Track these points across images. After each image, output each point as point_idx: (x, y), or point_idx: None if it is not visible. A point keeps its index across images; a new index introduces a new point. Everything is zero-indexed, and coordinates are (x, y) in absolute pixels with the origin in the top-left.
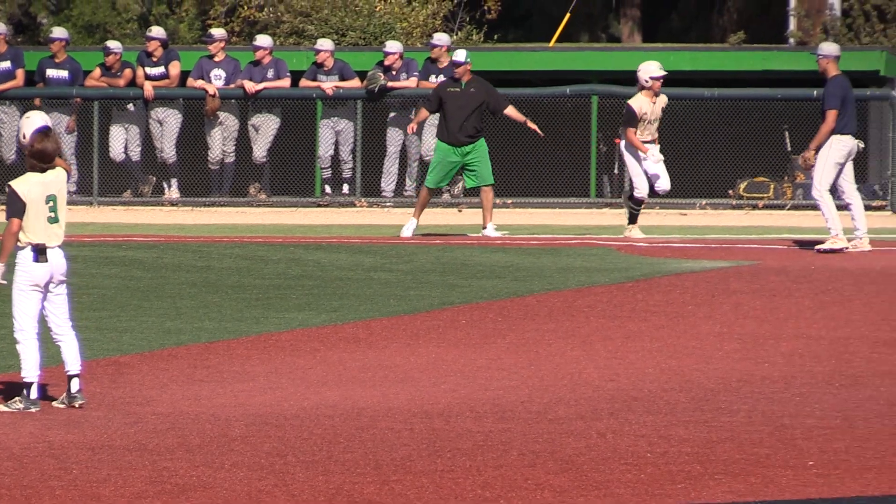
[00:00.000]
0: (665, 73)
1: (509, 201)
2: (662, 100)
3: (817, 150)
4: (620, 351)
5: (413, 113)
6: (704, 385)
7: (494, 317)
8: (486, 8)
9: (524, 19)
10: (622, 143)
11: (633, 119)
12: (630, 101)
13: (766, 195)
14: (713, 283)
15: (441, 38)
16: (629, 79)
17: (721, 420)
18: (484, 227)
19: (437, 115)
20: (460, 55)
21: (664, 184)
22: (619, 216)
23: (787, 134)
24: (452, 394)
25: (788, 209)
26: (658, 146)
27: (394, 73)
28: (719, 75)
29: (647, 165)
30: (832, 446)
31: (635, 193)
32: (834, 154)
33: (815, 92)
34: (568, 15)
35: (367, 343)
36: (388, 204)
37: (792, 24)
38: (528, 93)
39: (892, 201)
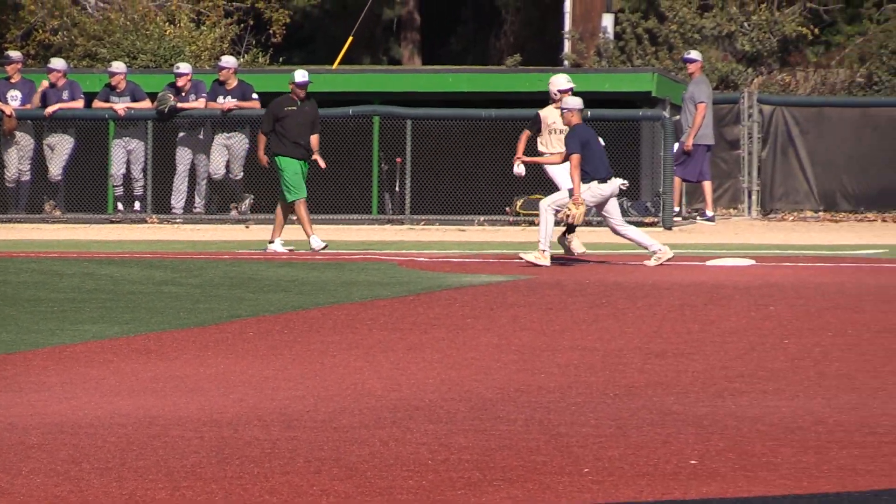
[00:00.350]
0: (572, 85)
1: (295, 218)
2: None
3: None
4: (402, 362)
5: (202, 133)
6: (483, 395)
7: (281, 329)
8: (271, 31)
9: (308, 42)
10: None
11: (534, 123)
12: (540, 110)
13: None
14: (491, 296)
15: (228, 61)
16: (410, 100)
17: (499, 429)
18: (271, 241)
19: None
20: (301, 75)
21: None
22: (399, 232)
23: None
24: (241, 403)
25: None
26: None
27: (183, 94)
28: (497, 96)
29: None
30: (607, 454)
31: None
32: (586, 195)
33: (588, 112)
34: (350, 38)
35: (158, 354)
36: (178, 220)
37: (567, 46)
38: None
39: (664, 217)
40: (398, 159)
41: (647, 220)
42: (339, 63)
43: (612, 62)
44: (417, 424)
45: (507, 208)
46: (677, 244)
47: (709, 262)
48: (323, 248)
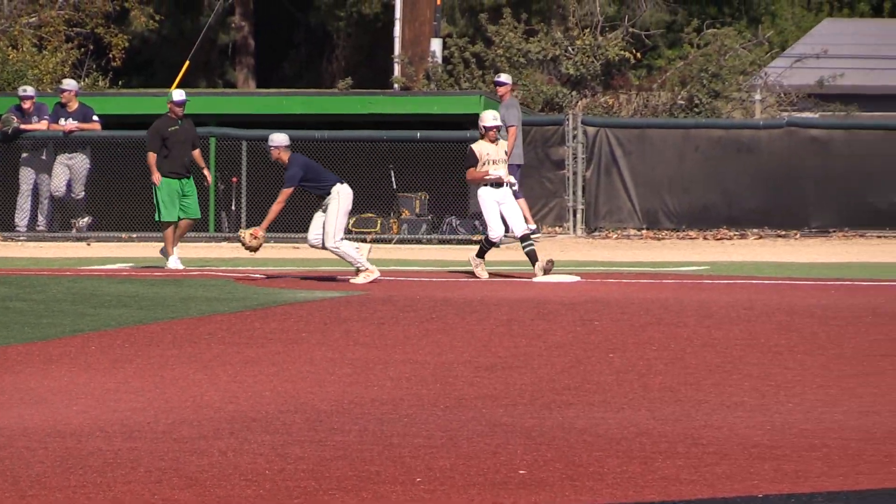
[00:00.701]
0: (498, 123)
1: (134, 235)
2: (503, 144)
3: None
4: (240, 375)
5: (45, 153)
6: (318, 407)
7: (122, 343)
8: (111, 56)
9: (147, 66)
10: (480, 190)
11: (471, 159)
12: (471, 145)
13: (373, 230)
14: (325, 311)
15: (69, 84)
16: (245, 122)
17: (334, 440)
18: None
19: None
20: (179, 94)
21: (517, 227)
22: (236, 249)
23: (392, 173)
24: (84, 415)
25: (394, 243)
26: (509, 187)
27: (27, 116)
28: (329, 118)
29: (503, 209)
30: (438, 464)
31: (490, 235)
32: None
33: (418, 134)
34: (187, 63)
35: (3, 368)
36: (21, 238)
37: (397, 70)
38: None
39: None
40: (234, 179)
41: (476, 237)
42: (177, 86)
43: (440, 85)
44: (255, 435)
45: None
46: (505, 261)
47: (535, 279)
48: (179, 269)
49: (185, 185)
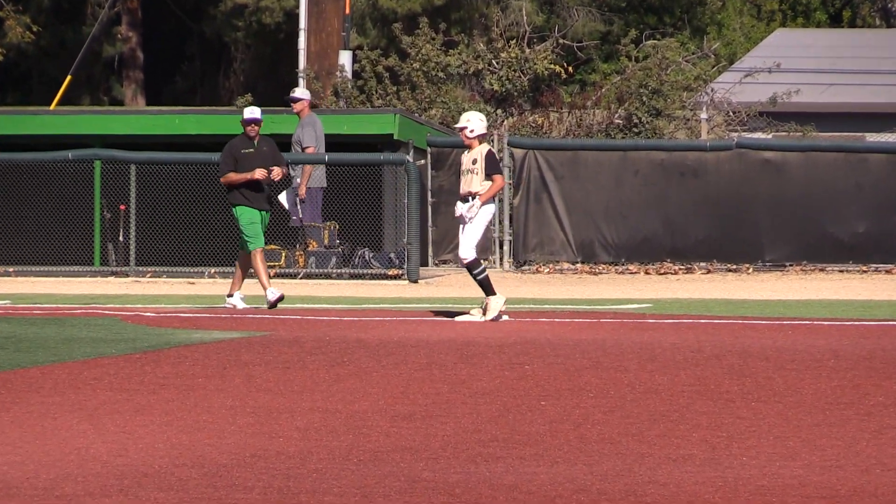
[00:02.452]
0: (464, 124)
1: (11, 269)
2: (478, 151)
3: None
4: (129, 425)
5: None
6: (218, 460)
7: None
8: None
9: (24, 81)
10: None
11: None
12: None
13: (277, 263)
14: (224, 354)
15: None
16: (133, 143)
17: (235, 497)
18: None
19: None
20: (251, 111)
21: (461, 251)
22: (124, 285)
23: (298, 200)
24: None
25: (301, 278)
26: (471, 204)
27: None
28: (227, 139)
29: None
30: None
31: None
32: None
33: (326, 157)
34: (69, 77)
35: None
36: None
37: (301, 85)
38: (28, 157)
39: (409, 269)
40: (122, 206)
41: (392, 272)
42: (58, 103)
43: (350, 102)
44: (147, 493)
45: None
46: (424, 298)
47: (458, 318)
48: (278, 300)
49: (264, 216)
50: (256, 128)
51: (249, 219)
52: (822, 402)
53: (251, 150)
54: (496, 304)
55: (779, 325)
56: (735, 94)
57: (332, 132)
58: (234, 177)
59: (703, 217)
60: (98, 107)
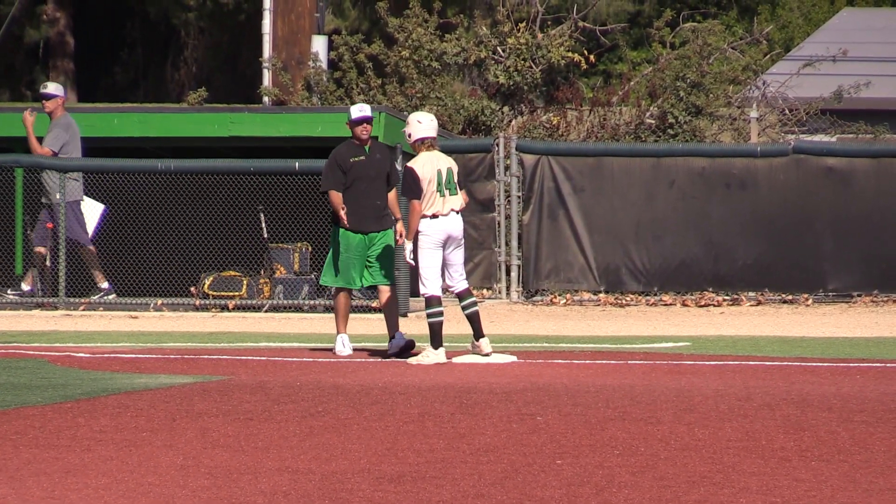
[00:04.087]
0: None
1: (86, 301)
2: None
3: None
4: (59, 489)
5: None
6: None
7: None
8: None
9: None
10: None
11: (414, 185)
12: (410, 164)
13: (237, 293)
14: (174, 402)
15: None
16: None
17: None
18: (392, 337)
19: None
20: (360, 109)
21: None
22: (52, 319)
23: (262, 217)
24: None
25: (266, 310)
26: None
27: None
28: (176, 142)
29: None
30: None
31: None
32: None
33: (296, 164)
34: None
35: None
36: None
37: (266, 78)
38: None
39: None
40: (49, 225)
41: (375, 304)
42: None
43: (325, 99)
44: None
45: (193, 288)
46: (414, 335)
47: (456, 360)
48: (346, 355)
49: (372, 238)
50: (369, 128)
51: (346, 246)
52: (895, 461)
53: (362, 157)
54: (434, 356)
55: (844, 367)
56: (792, 88)
57: (304, 135)
58: (335, 200)
59: (753, 237)
60: (19, 103)
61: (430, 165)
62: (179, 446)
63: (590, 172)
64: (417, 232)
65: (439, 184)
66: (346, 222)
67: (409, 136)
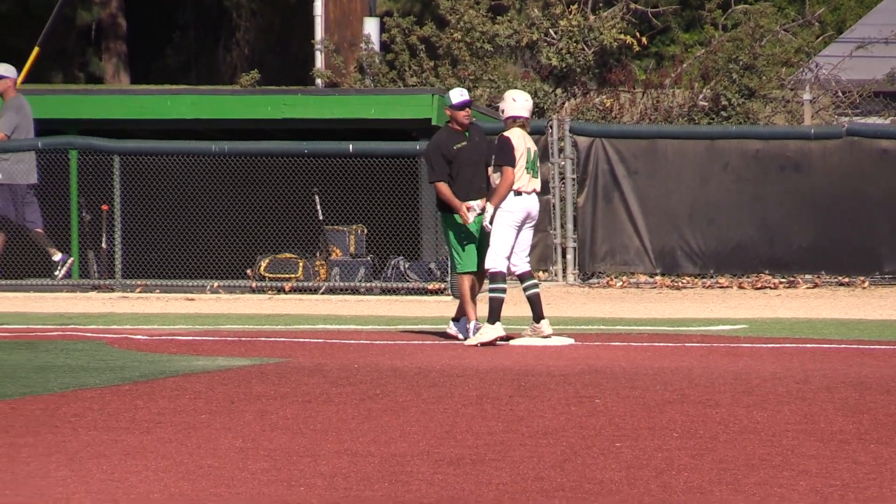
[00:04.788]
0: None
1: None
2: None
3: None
4: (118, 471)
5: None
6: None
7: None
8: None
9: None
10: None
11: (508, 153)
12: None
13: (294, 276)
14: (232, 385)
15: None
16: (116, 130)
17: None
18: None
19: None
20: (459, 94)
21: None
22: (109, 302)
23: (317, 199)
24: None
25: (323, 293)
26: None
27: None
28: (229, 124)
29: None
30: None
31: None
32: None
33: (350, 146)
34: (37, 50)
35: None
36: None
37: (319, 60)
38: None
39: (453, 283)
40: (104, 207)
41: (432, 286)
42: (23, 81)
43: (378, 80)
44: None
45: (249, 271)
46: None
47: (514, 342)
48: (488, 341)
49: (480, 221)
50: (469, 113)
51: (462, 231)
52: None
53: (463, 143)
54: (491, 331)
55: None
56: (845, 71)
57: (357, 116)
58: (445, 192)
59: (808, 220)
60: (72, 85)
61: (521, 142)
62: (238, 429)
63: (643, 155)
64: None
65: (527, 161)
66: (466, 218)
67: (503, 111)
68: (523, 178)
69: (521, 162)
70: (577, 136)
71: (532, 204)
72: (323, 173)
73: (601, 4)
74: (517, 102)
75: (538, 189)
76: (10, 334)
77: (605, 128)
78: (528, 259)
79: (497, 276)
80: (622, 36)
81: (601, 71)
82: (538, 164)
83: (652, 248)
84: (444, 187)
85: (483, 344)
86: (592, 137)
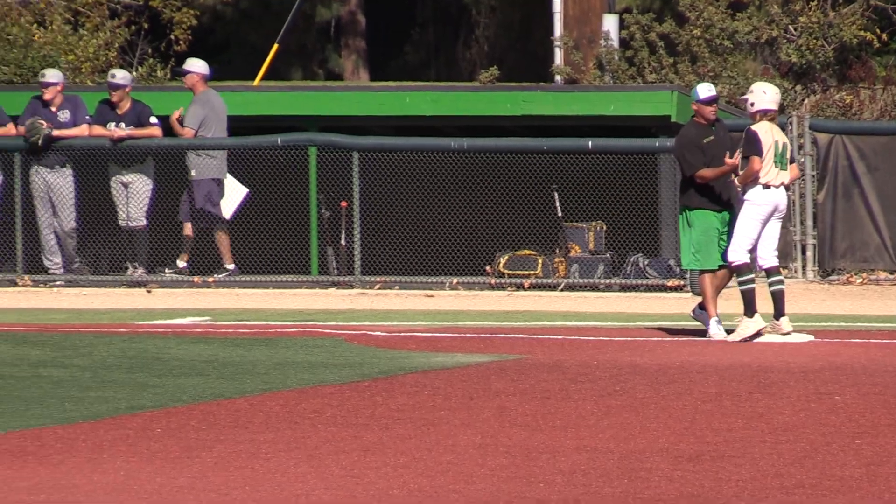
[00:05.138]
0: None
1: (210, 280)
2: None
3: None
4: (357, 468)
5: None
6: None
7: (197, 424)
8: (173, 38)
9: (221, 51)
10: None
11: (755, 145)
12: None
13: (533, 272)
14: (470, 381)
15: (122, 77)
16: (356, 126)
17: None
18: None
19: None
20: (707, 89)
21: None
22: (348, 298)
23: (556, 196)
24: None
25: (562, 289)
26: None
27: (53, 109)
28: (468, 121)
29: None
30: None
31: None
32: None
33: (590, 143)
34: (276, 47)
35: (37, 457)
36: (57, 283)
37: (558, 57)
38: (229, 143)
39: (692, 279)
40: (343, 203)
41: (671, 282)
42: (262, 78)
43: (617, 77)
44: None
45: (488, 267)
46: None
47: (758, 340)
48: (752, 335)
49: (725, 217)
50: (716, 108)
51: (706, 228)
52: None
53: (711, 137)
54: (752, 325)
55: None
56: None
57: (596, 113)
58: (708, 173)
59: None
60: (312, 82)
61: (769, 135)
62: (477, 425)
63: (884, 151)
64: (745, 197)
65: (775, 154)
66: (733, 162)
67: (752, 104)
68: (771, 171)
69: (768, 154)
70: (817, 132)
71: (780, 197)
72: (562, 170)
73: (841, 1)
74: (767, 95)
75: (787, 181)
76: (249, 331)
77: (846, 124)
78: (777, 253)
79: (743, 269)
80: (862, 32)
81: (841, 67)
82: (787, 156)
83: (892, 245)
84: (706, 171)
85: (745, 339)
86: (832, 134)
